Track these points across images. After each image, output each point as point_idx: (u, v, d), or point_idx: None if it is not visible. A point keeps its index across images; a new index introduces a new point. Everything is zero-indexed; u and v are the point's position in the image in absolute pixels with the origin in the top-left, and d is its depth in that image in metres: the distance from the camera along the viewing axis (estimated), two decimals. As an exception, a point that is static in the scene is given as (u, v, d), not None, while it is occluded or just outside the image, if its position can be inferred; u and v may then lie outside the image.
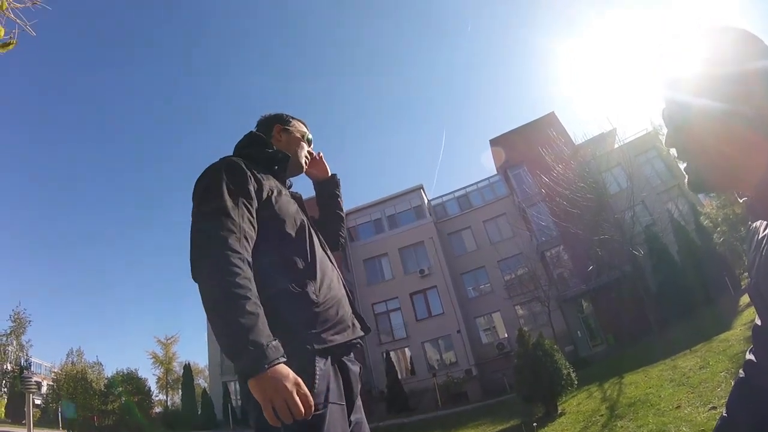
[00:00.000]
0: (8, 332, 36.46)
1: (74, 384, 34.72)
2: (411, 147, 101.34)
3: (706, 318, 14.70)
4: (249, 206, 1.53)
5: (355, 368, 1.64)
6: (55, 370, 39.57)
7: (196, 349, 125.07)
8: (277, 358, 1.24)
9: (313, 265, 1.59)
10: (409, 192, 33.60)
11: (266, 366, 1.22)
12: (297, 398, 1.23)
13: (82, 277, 74.03)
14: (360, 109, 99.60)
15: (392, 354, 27.67)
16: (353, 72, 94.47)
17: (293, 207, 1.72)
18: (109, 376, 40.97)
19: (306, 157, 2.05)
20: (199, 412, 32.06)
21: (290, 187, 1.97)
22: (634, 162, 18.48)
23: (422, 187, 33.80)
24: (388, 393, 25.01)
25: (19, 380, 20.64)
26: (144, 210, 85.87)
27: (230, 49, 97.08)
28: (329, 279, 1.64)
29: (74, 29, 74.40)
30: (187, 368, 35.93)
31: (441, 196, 34.61)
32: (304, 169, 2.06)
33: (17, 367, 34.23)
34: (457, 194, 34.01)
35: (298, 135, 2.04)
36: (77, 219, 77.76)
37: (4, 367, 35.36)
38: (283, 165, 1.86)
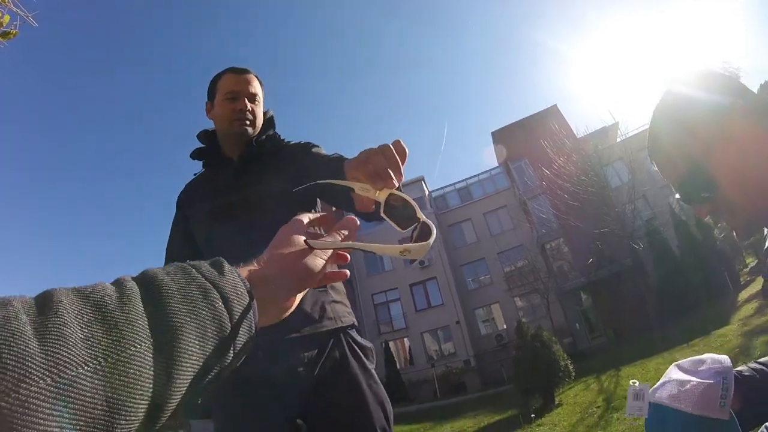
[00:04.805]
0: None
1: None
2: (412, 138, 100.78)
3: (705, 313, 14.74)
4: (178, 231, 1.69)
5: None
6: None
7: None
8: None
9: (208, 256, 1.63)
10: (409, 183, 33.42)
11: None
12: None
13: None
14: (362, 101, 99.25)
15: (391, 344, 27.73)
16: (355, 65, 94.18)
17: (203, 208, 1.68)
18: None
19: (238, 114, 1.72)
20: (199, 401, 32.19)
21: (262, 145, 1.78)
22: (636, 156, 18.42)
23: (423, 179, 33.67)
24: (386, 383, 25.05)
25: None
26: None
27: (234, 42, 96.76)
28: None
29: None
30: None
31: (442, 188, 34.52)
32: (242, 128, 1.73)
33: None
34: (458, 186, 33.90)
35: (220, 100, 1.75)
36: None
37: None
38: (207, 160, 1.83)
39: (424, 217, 0.74)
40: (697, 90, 0.92)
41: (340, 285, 1.72)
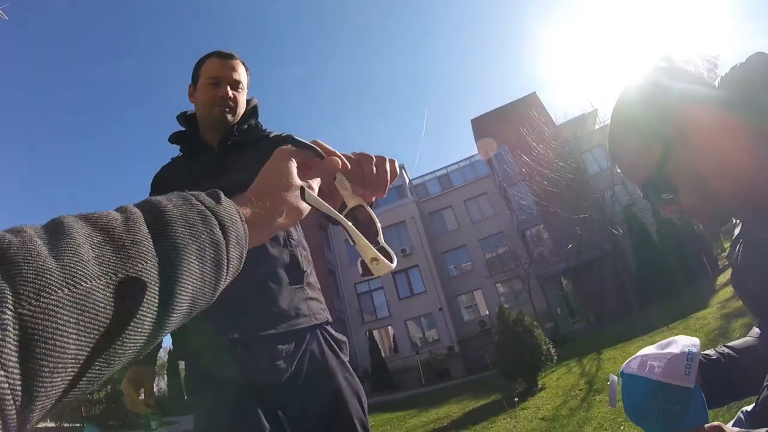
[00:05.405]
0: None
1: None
2: (392, 126, 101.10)
3: (685, 297, 14.90)
4: None
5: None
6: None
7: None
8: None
9: None
10: (390, 172, 33.30)
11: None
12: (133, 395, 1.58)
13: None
14: (344, 89, 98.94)
15: (375, 333, 27.89)
16: (337, 54, 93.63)
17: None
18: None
19: (219, 100, 1.70)
20: (185, 398, 31.80)
21: (243, 133, 1.75)
22: (614, 142, 18.56)
23: (403, 167, 33.64)
24: (372, 371, 25.16)
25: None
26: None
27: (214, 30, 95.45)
28: None
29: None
30: (172, 354, 35.63)
31: (422, 176, 34.63)
32: (222, 115, 1.71)
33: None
34: (438, 174, 34.01)
35: (203, 85, 1.73)
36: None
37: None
38: (184, 144, 1.81)
39: (383, 242, 0.72)
40: (669, 79, 0.91)
41: (315, 281, 1.72)
